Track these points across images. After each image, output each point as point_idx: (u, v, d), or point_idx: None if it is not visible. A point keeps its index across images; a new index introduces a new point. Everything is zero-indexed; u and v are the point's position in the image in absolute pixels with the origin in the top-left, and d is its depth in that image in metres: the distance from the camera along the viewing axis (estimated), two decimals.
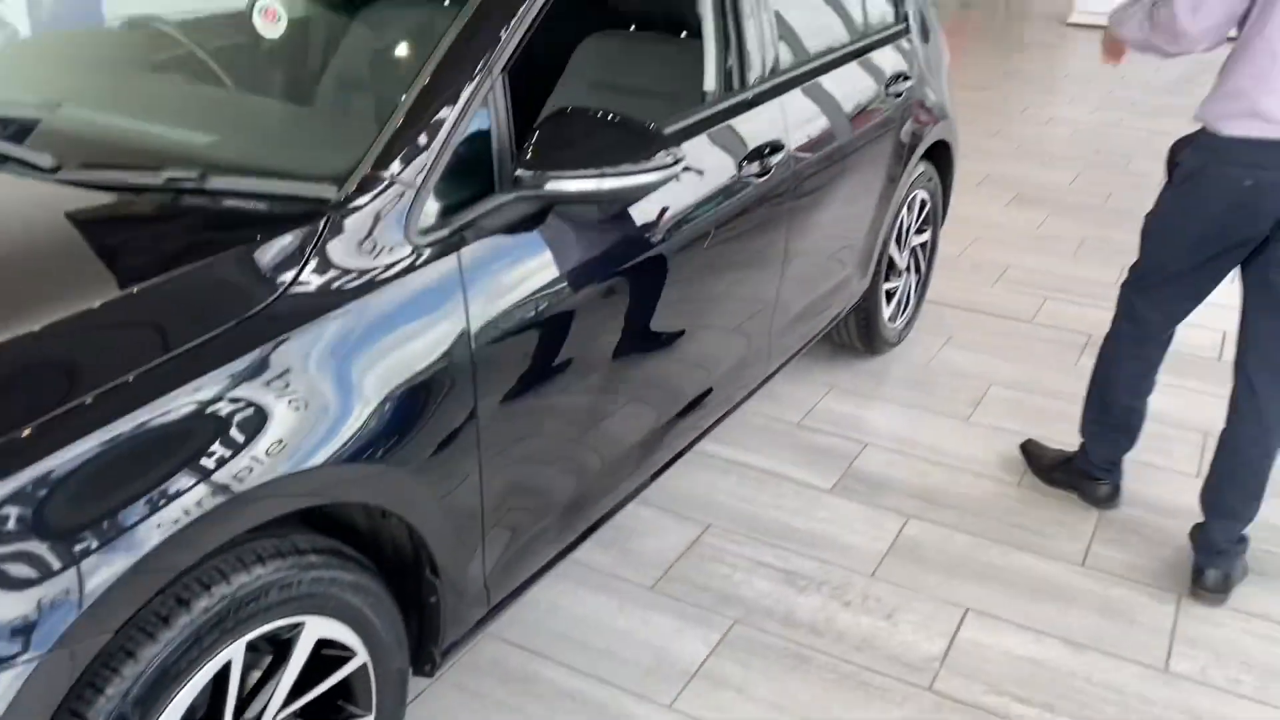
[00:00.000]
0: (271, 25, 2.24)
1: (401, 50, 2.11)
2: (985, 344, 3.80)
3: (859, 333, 3.50)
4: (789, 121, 2.59)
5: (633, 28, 2.86)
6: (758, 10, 2.52)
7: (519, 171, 1.72)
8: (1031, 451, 3.04)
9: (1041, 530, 2.73)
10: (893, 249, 3.45)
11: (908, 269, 3.65)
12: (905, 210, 3.46)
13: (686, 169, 2.00)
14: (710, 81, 2.46)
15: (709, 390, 2.52)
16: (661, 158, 1.79)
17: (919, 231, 3.67)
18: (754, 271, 2.55)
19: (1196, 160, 2.39)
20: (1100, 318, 3.38)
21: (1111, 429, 2.80)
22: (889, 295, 3.55)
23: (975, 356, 3.70)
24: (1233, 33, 2.36)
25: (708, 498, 2.78)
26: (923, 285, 3.83)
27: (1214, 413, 3.33)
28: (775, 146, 2.49)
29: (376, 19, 2.27)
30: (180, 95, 2.13)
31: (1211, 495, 2.56)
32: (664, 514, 2.70)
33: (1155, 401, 3.36)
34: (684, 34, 2.57)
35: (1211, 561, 2.52)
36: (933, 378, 3.54)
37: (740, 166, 2.38)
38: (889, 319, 3.59)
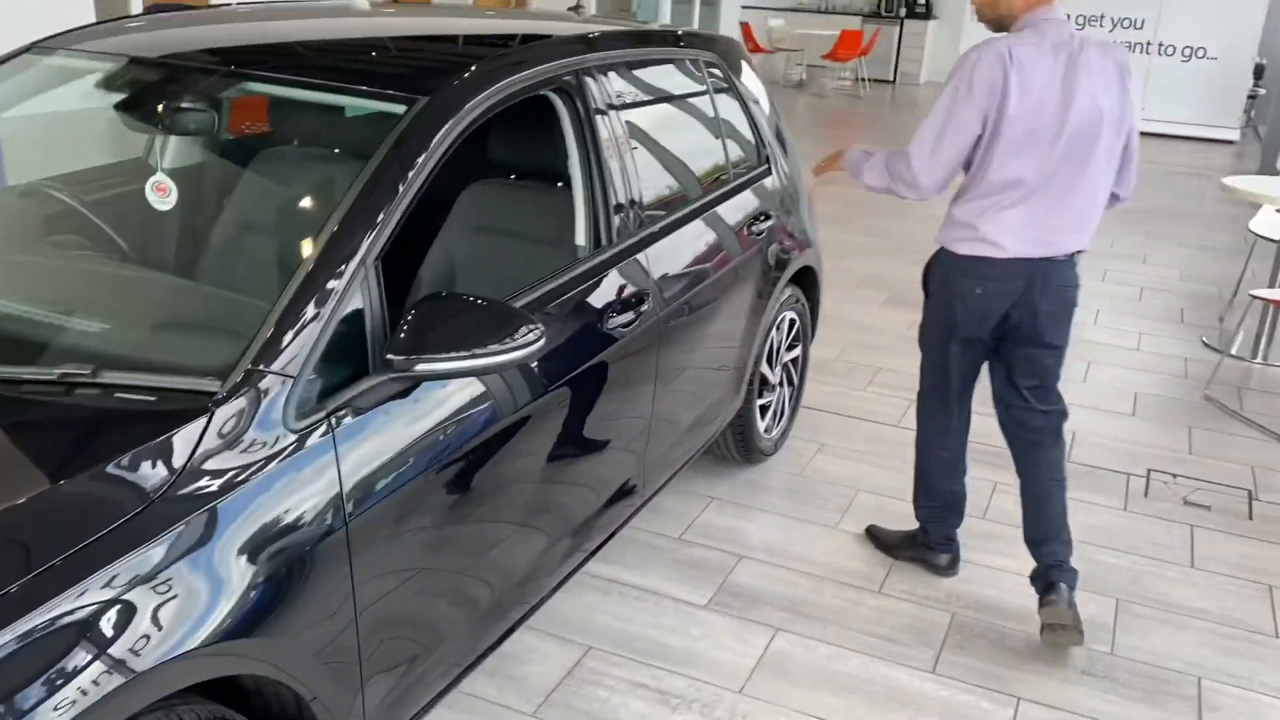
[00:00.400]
0: (163, 199, 2.40)
1: (284, 241, 2.28)
2: (855, 450, 4.05)
3: (736, 446, 3.73)
4: (657, 270, 2.82)
5: (512, 177, 3.09)
6: (625, 166, 2.76)
7: (390, 355, 1.90)
8: (876, 534, 3.41)
9: (897, 638, 2.95)
10: (764, 367, 3.69)
11: (781, 383, 3.90)
12: (775, 331, 3.72)
13: (565, 322, 2.20)
14: (581, 237, 2.68)
15: (588, 521, 2.70)
16: (523, 335, 1.99)
17: (790, 348, 3.92)
18: (626, 411, 2.75)
19: (941, 275, 2.94)
20: None
21: (940, 510, 3.24)
22: (763, 409, 3.79)
23: (845, 463, 3.95)
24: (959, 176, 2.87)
25: (589, 619, 2.95)
26: (796, 396, 4.08)
27: None
28: (642, 296, 2.71)
29: (263, 206, 2.44)
30: (67, 276, 2.26)
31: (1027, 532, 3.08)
32: (547, 638, 2.85)
33: (1001, 504, 3.65)
34: (560, 184, 2.80)
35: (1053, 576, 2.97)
36: (806, 486, 3.77)
37: (608, 319, 2.59)
38: (764, 431, 3.82)
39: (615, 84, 2.87)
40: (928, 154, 2.76)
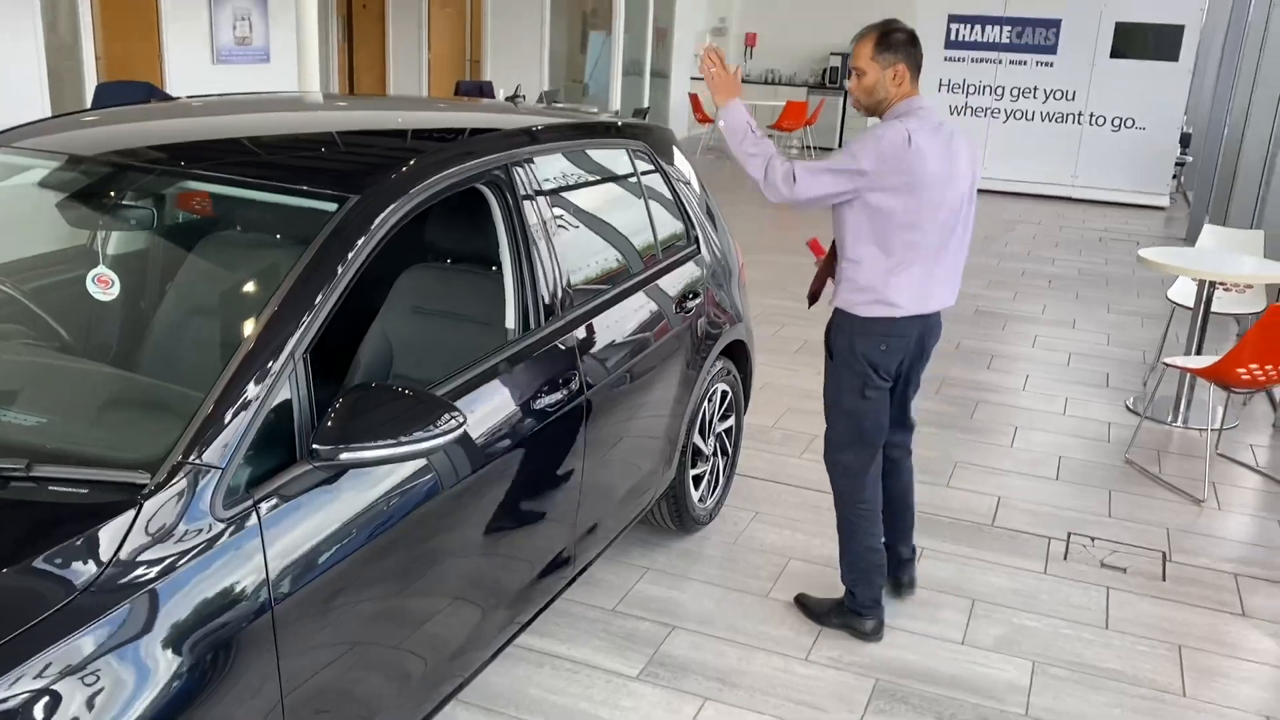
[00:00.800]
0: (105, 291, 2.49)
1: (216, 335, 2.37)
2: (788, 517, 4.17)
3: (671, 516, 3.83)
4: (585, 349, 2.94)
5: (448, 263, 3.22)
6: (554, 251, 2.89)
7: (315, 445, 1.99)
8: (805, 603, 3.51)
9: (822, 705, 3.04)
10: (697, 439, 3.82)
11: (715, 453, 4.02)
12: (707, 403, 3.85)
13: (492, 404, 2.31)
14: (510, 320, 2.80)
15: (521, 594, 2.78)
16: (444, 422, 2.09)
17: (723, 419, 4.05)
18: (556, 485, 2.85)
19: (845, 337, 3.21)
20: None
21: (864, 572, 3.36)
22: (697, 479, 3.91)
23: (779, 530, 4.06)
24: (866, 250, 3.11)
25: (521, 692, 3.01)
26: (730, 465, 4.20)
27: (984, 579, 3.76)
28: (569, 375, 2.83)
29: (197, 299, 2.54)
30: (5, 367, 2.34)
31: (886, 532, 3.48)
32: (479, 711, 2.92)
33: (927, 569, 3.78)
34: (492, 270, 2.93)
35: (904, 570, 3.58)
36: (740, 554, 3.88)
37: (537, 397, 2.70)
38: (698, 500, 3.93)
39: (545, 173, 3.01)
40: (813, 181, 3.02)
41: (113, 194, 2.54)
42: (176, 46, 11.69)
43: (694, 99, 15.21)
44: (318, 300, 2.13)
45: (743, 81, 16.66)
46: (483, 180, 2.74)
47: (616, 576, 3.67)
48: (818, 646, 3.32)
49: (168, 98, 9.37)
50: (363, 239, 2.25)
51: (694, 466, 3.86)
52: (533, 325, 2.81)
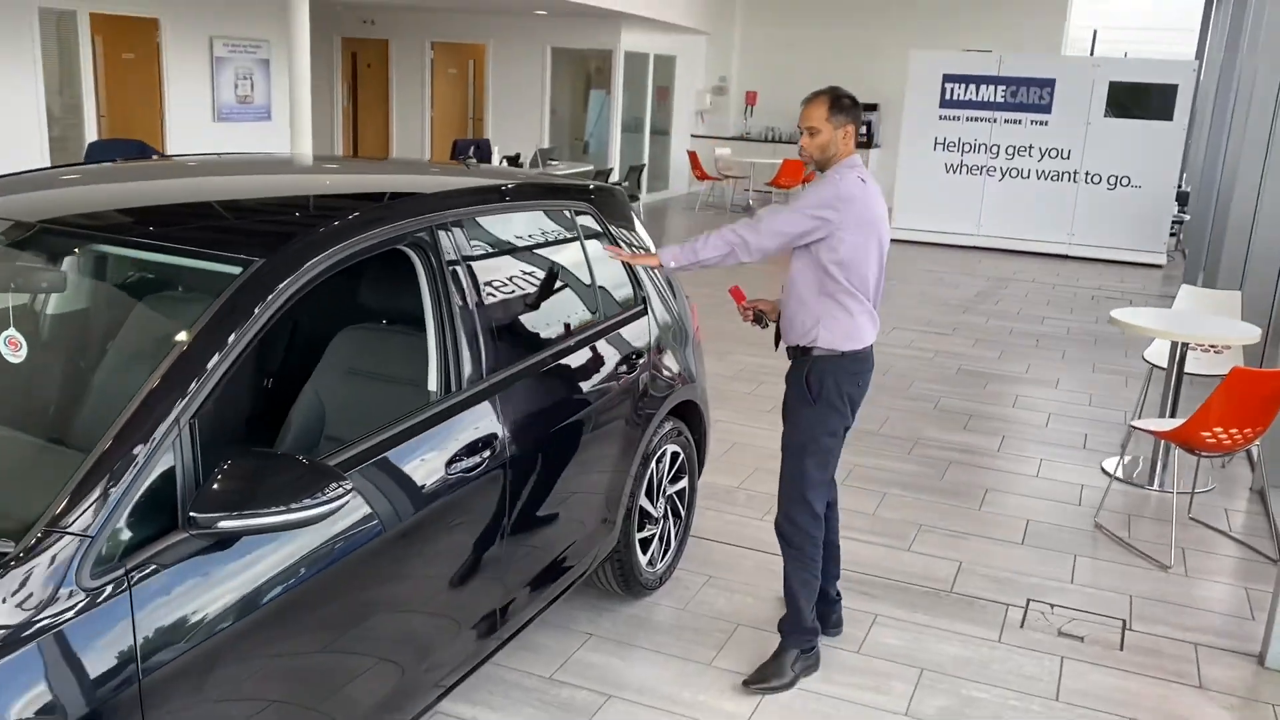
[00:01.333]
0: (14, 353, 2.49)
1: (106, 398, 2.36)
2: (742, 582, 4.11)
3: (616, 579, 3.77)
4: (509, 411, 2.92)
5: (378, 323, 3.21)
6: (478, 314, 2.88)
7: (193, 513, 1.96)
8: (761, 679, 3.44)
9: None
10: (644, 501, 3.77)
11: (665, 515, 3.97)
12: (655, 464, 3.81)
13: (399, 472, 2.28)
14: (433, 381, 2.79)
15: (439, 659, 2.73)
16: (331, 491, 2.06)
17: (675, 480, 4.01)
18: (475, 548, 2.81)
19: (829, 377, 3.35)
20: (852, 550, 3.84)
21: (812, 598, 3.50)
22: (645, 543, 3.85)
23: (731, 596, 4.00)
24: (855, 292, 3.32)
25: None
26: (684, 529, 4.15)
27: (936, 647, 3.69)
28: (489, 438, 2.80)
29: (92, 362, 2.53)
30: None
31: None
32: None
33: (879, 635, 3.71)
34: (413, 331, 2.92)
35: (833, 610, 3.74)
36: (689, 620, 3.81)
37: (454, 460, 2.67)
38: (646, 564, 3.87)
39: (477, 235, 3.01)
40: (779, 220, 3.27)
41: (23, 255, 2.55)
42: (178, 105, 11.89)
43: (692, 156, 15.34)
44: (210, 365, 2.11)
45: (743, 139, 16.84)
46: (404, 243, 2.75)
47: (557, 642, 3.60)
48: (757, 715, 3.25)
49: (162, 156, 9.51)
50: (260, 305, 2.24)
51: (641, 529, 3.81)
52: (453, 387, 2.79)
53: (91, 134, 10.98)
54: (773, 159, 15.58)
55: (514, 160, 11.72)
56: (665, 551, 4.01)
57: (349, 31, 15.90)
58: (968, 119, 13.29)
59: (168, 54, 11.67)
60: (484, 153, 11.63)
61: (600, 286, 3.65)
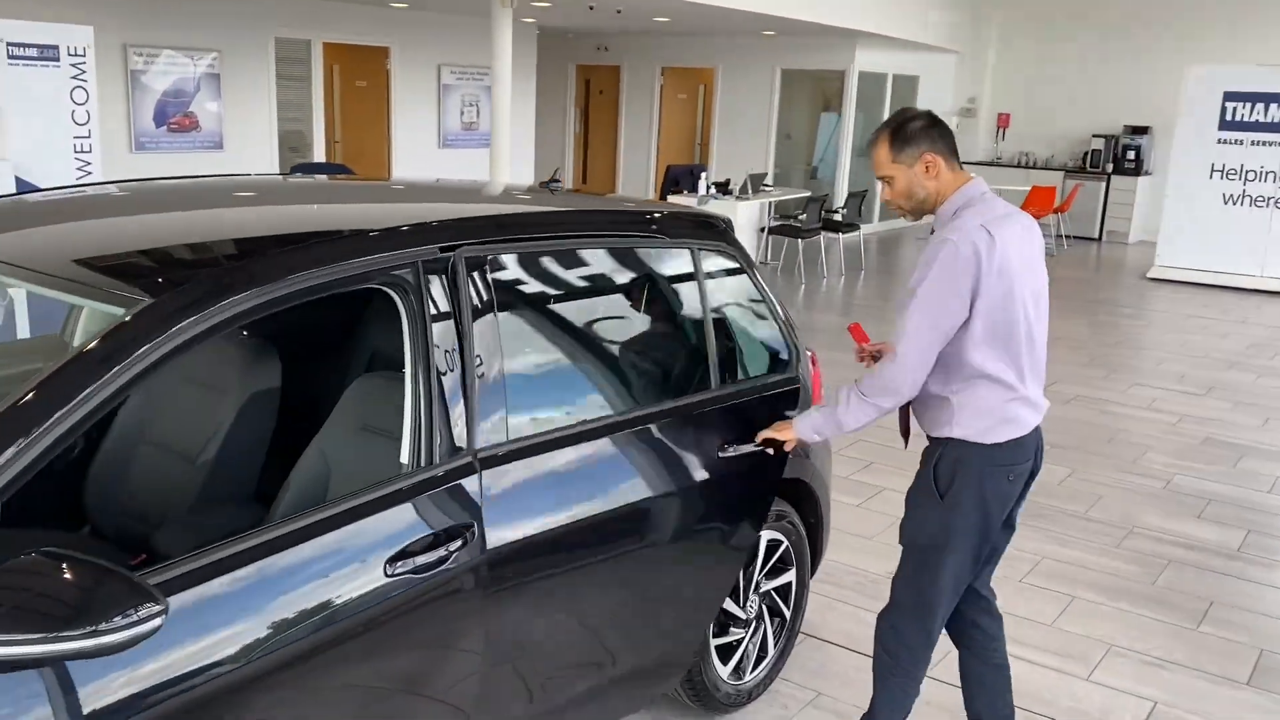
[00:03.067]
0: None
1: None
2: (857, 703, 3.33)
3: (686, 691, 3.11)
4: (499, 497, 2.34)
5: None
6: (474, 372, 2.34)
7: None
8: None
9: None
10: (728, 602, 3.09)
11: (759, 616, 3.26)
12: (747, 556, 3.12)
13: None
14: (405, 451, 2.27)
15: None
16: (129, 616, 1.57)
17: (774, 574, 3.29)
18: (438, 673, 2.24)
19: (965, 473, 2.64)
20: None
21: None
22: (728, 649, 3.17)
23: None
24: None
25: None
26: (788, 631, 3.41)
27: None
28: (456, 531, 2.23)
29: None
30: None
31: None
32: None
33: None
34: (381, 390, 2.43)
35: None
36: None
37: (402, 555, 2.13)
38: (730, 674, 3.18)
39: (499, 275, 2.48)
40: (920, 358, 2.59)
41: None
42: (404, 132, 12.17)
43: None
44: (35, 431, 1.68)
45: (993, 164, 15.52)
46: (377, 281, 2.25)
47: None
48: None
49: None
50: (143, 349, 1.81)
51: (724, 634, 3.13)
52: (423, 461, 2.25)
53: (321, 158, 11.40)
54: (1023, 185, 14.22)
55: (723, 186, 11.18)
56: (760, 660, 3.30)
57: (584, 59, 15.94)
58: (1253, 143, 11.52)
59: (396, 81, 11.97)
60: (695, 179, 11.16)
61: (725, 342, 3.07)
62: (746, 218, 10.83)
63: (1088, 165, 15.13)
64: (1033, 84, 15.70)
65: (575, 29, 14.71)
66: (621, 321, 3.02)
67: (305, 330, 3.13)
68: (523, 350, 2.58)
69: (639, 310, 3.06)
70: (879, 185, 2.77)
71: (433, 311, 2.32)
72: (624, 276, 3.02)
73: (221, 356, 2.90)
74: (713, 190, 10.93)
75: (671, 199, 11.06)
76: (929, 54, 14.93)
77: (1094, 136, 15.06)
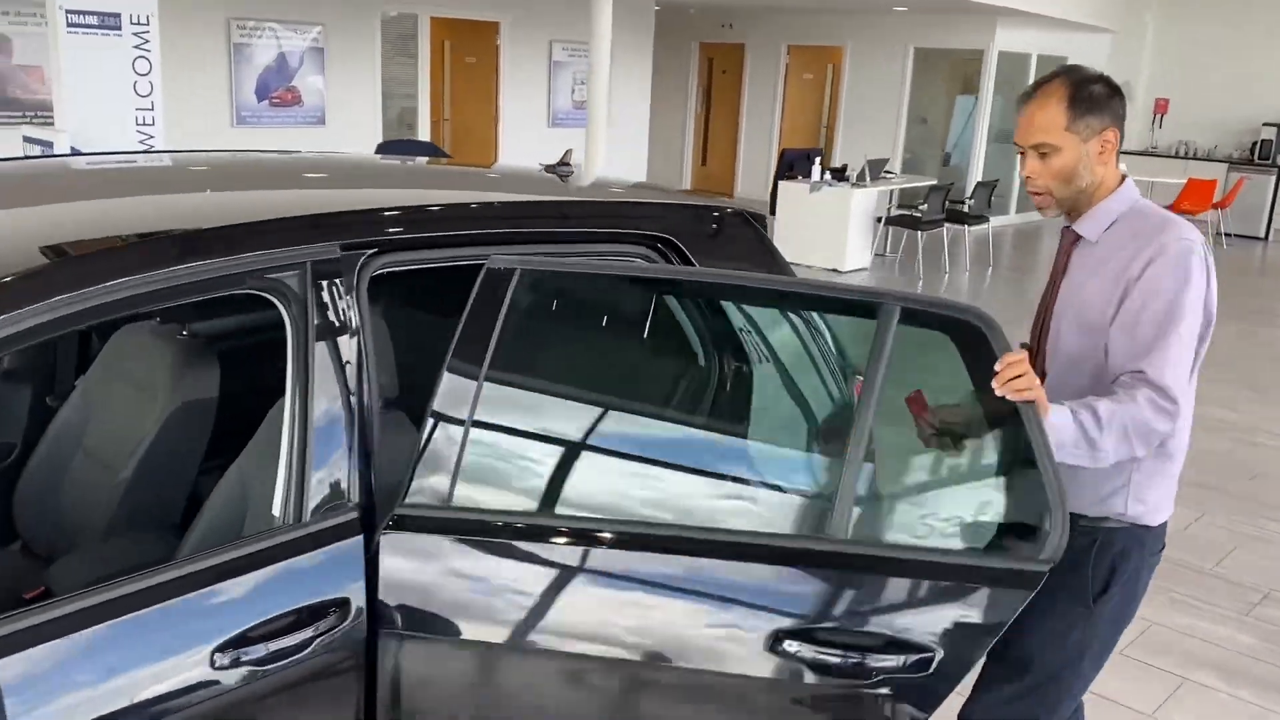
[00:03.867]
0: None
1: None
2: None
3: None
4: (387, 569, 1.86)
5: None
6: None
7: None
8: None
9: None
10: None
11: None
12: None
13: None
14: (277, 502, 1.83)
15: None
16: None
17: None
18: None
19: (1131, 564, 2.05)
20: None
21: None
22: None
23: None
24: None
25: None
26: None
27: None
28: (322, 607, 1.76)
29: None
30: None
31: None
32: None
33: None
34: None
35: None
36: None
37: (218, 655, 1.65)
38: None
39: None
40: (1186, 374, 1.99)
41: None
42: (513, 110, 11.85)
43: None
44: None
45: (1147, 153, 14.25)
46: (249, 288, 1.81)
47: None
48: None
49: (445, 155, 9.33)
50: None
51: None
52: (292, 516, 1.80)
53: (425, 136, 11.18)
54: (1179, 178, 12.99)
55: (840, 173, 10.46)
56: None
57: (707, 36, 15.33)
58: None
59: (505, 58, 11.64)
60: (811, 164, 10.47)
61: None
62: (862, 207, 10.10)
63: (1256, 157, 13.73)
64: (1195, 66, 14.30)
65: (698, 4, 14.13)
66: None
67: (256, 332, 2.72)
68: (489, 386, 2.01)
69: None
70: (1018, 161, 2.14)
71: (322, 326, 1.86)
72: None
73: (154, 359, 2.53)
74: (827, 177, 10.23)
75: (783, 185, 10.43)
76: (1078, 33, 13.76)
77: (1264, 125, 13.65)
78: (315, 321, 1.85)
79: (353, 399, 1.88)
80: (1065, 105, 2.00)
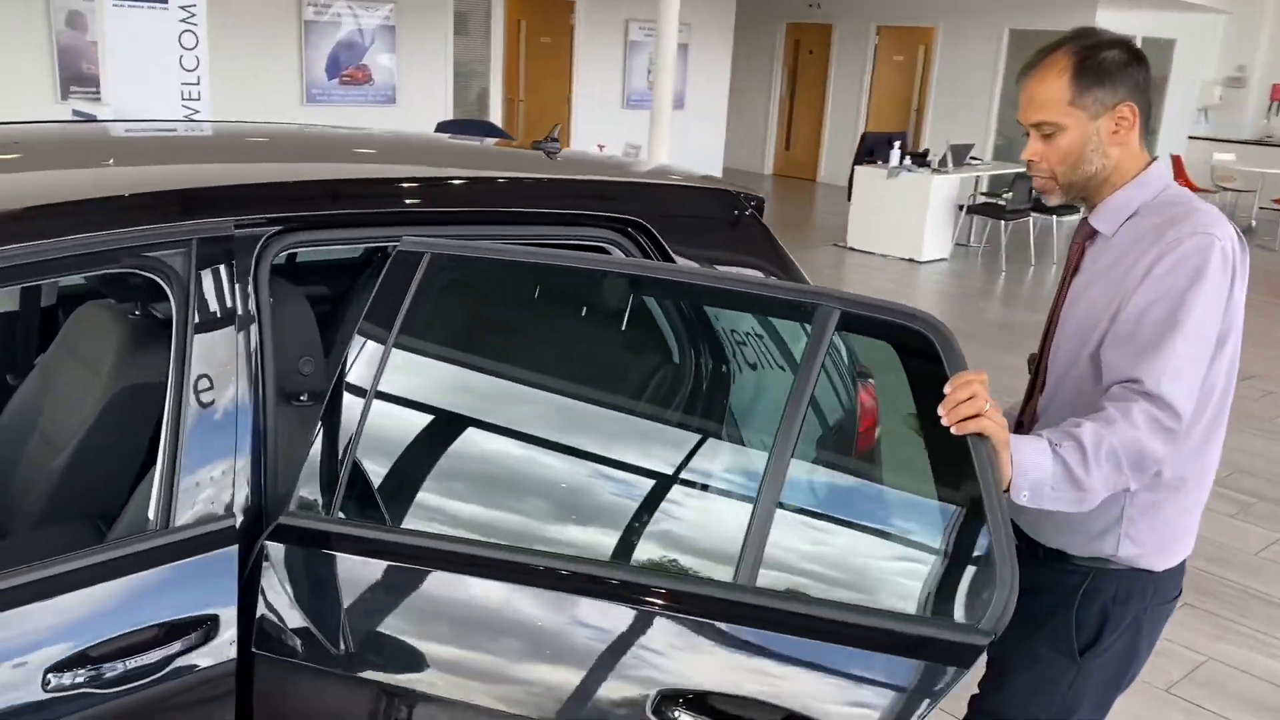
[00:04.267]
0: None
1: None
2: None
3: None
4: (266, 583, 1.68)
5: None
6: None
7: None
8: None
9: None
10: None
11: None
12: None
13: None
14: (152, 504, 1.66)
15: None
16: None
17: None
18: None
19: (1124, 615, 1.77)
20: None
21: None
22: None
23: None
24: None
25: None
26: None
27: None
28: (181, 626, 1.59)
29: None
30: None
31: None
32: None
33: None
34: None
35: None
36: None
37: (52, 675, 1.48)
38: None
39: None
40: (1193, 385, 1.62)
41: None
42: (586, 91, 11.67)
43: (1176, 161, 12.40)
44: None
45: (1261, 143, 13.38)
46: (125, 266, 1.65)
47: None
48: None
49: (507, 136, 9.16)
50: None
51: None
52: (164, 520, 1.63)
53: (496, 117, 11.07)
54: (1275, 169, 12.16)
55: (921, 158, 10.01)
56: None
57: (794, 17, 14.91)
58: None
59: (580, 37, 11.46)
60: (894, 147, 10.05)
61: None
62: (942, 194, 9.66)
63: None
64: None
65: None
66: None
67: None
68: (388, 382, 1.84)
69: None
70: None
71: (207, 311, 1.69)
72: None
73: (105, 338, 2.40)
74: (907, 162, 9.80)
75: (859, 170, 10.04)
76: (1189, 13, 12.97)
77: None
78: (197, 307, 1.68)
79: (245, 394, 1.71)
80: (1069, 76, 1.71)
